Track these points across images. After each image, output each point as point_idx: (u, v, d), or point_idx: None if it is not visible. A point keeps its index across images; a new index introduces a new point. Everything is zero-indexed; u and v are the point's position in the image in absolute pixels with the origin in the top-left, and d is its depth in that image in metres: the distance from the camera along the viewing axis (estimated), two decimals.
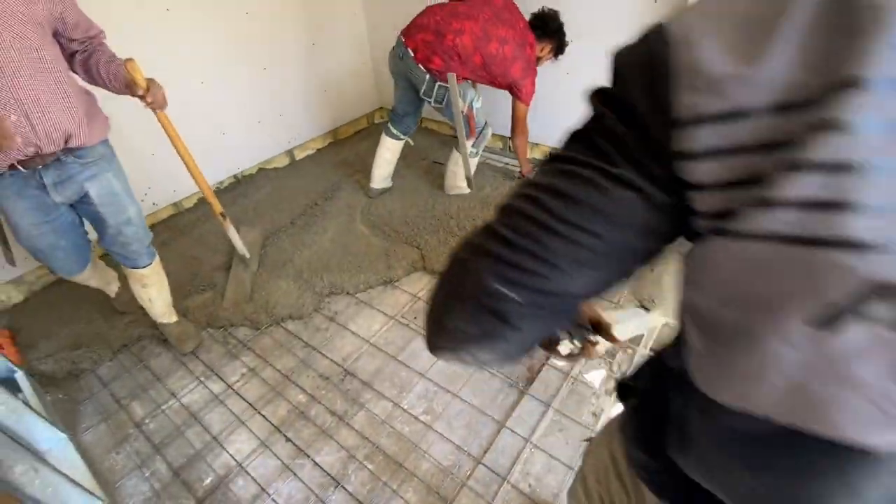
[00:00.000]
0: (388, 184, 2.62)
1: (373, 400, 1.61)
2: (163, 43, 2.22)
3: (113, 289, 1.93)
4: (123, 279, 1.91)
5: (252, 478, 1.42)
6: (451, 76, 1.99)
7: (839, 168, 0.23)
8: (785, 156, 0.25)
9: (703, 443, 0.37)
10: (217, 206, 1.93)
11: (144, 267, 1.65)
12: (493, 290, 0.35)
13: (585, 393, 1.57)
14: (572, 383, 1.60)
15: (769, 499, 0.34)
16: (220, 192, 2.78)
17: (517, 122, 2.24)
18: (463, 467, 1.40)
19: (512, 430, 1.47)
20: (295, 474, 1.41)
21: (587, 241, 0.33)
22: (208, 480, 1.43)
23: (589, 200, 0.33)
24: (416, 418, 1.54)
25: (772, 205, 0.25)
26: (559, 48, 2.18)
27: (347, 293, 2.04)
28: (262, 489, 1.39)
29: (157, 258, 1.71)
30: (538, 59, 2.16)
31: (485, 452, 1.43)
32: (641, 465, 0.51)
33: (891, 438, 0.27)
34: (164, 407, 1.65)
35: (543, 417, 1.50)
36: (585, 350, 0.59)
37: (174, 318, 1.84)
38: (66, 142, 1.32)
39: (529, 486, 1.34)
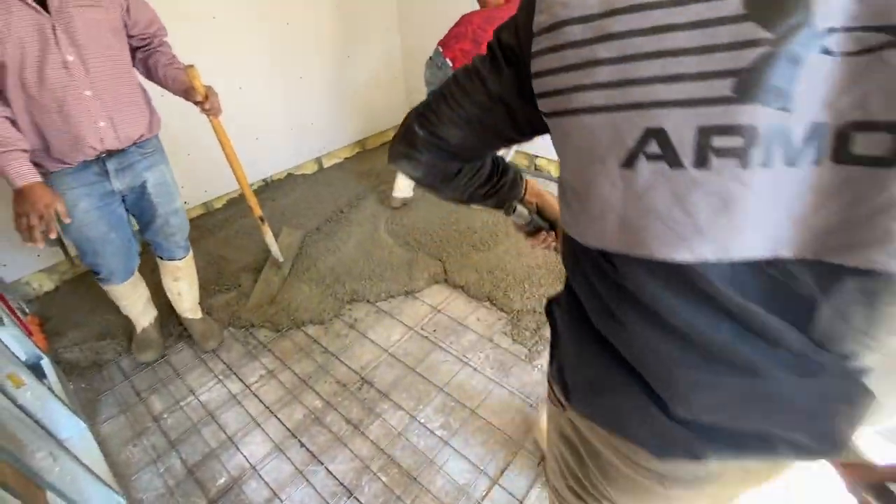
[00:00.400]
0: (408, 193, 2.62)
1: (389, 410, 1.59)
2: (207, 45, 2.30)
3: (142, 323, 1.79)
4: (156, 316, 1.85)
5: (265, 482, 1.40)
6: None
7: (622, 59, 0.36)
8: (589, 53, 0.37)
9: (611, 303, 0.47)
10: (257, 210, 1.96)
11: (180, 259, 1.69)
12: (412, 127, 0.58)
13: None
14: None
15: (647, 333, 0.44)
16: None
17: None
18: (479, 487, 1.36)
19: (530, 452, 1.43)
20: (308, 481, 1.40)
21: (458, 109, 0.54)
22: (221, 481, 1.42)
23: (466, 86, 0.53)
24: (432, 432, 1.51)
25: (587, 88, 0.38)
26: None
27: (368, 301, 2.04)
28: (275, 494, 1.37)
29: (191, 252, 1.75)
30: None
31: (501, 473, 1.39)
32: (573, 387, 0.57)
33: (685, 255, 0.38)
34: (182, 403, 1.66)
35: None
36: (538, 234, 0.78)
37: (199, 315, 1.86)
38: (136, 140, 1.39)
39: None
